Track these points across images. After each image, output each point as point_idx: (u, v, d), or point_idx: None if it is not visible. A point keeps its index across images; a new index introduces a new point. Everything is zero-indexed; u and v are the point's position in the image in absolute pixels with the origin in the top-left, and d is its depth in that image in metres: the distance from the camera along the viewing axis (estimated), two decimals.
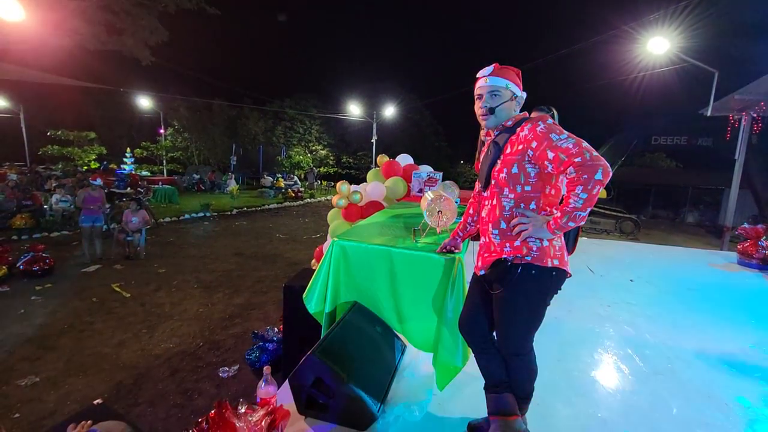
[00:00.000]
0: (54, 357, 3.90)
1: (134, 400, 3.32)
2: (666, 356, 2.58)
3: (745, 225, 5.17)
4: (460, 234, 1.96)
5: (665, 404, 2.05)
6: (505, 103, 1.55)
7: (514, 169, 1.48)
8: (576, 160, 1.31)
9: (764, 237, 4.92)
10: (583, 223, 1.42)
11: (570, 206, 1.34)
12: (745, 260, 4.89)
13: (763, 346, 2.77)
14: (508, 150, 1.51)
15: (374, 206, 4.04)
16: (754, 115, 7.80)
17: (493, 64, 1.60)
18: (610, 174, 1.31)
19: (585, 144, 1.33)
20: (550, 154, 1.37)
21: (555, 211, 1.41)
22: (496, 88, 1.55)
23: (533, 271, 1.46)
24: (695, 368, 2.44)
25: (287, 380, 1.89)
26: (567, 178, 1.35)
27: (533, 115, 1.64)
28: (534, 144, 1.41)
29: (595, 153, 1.31)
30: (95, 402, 2.17)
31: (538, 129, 1.42)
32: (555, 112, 1.64)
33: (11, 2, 7.02)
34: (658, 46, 8.38)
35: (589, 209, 1.34)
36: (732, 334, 2.97)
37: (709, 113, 8.36)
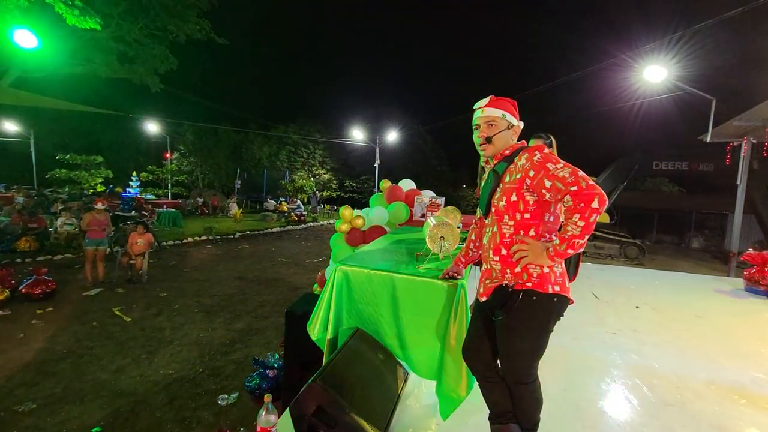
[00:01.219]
0: (52, 383, 3.85)
1: (131, 428, 3.25)
2: (675, 386, 2.51)
3: (750, 251, 5.13)
4: (463, 260, 1.97)
5: None
6: (501, 132, 1.61)
7: (513, 198, 1.52)
8: (572, 188, 1.34)
9: None
10: (582, 250, 1.44)
11: (568, 234, 1.36)
12: (752, 287, 4.82)
13: None
14: (507, 179, 1.55)
15: (377, 231, 4.05)
16: (754, 141, 7.88)
17: (490, 96, 1.66)
18: (606, 202, 1.35)
19: (581, 173, 1.37)
20: (548, 183, 1.41)
21: (554, 239, 1.44)
22: (492, 118, 1.61)
23: (534, 297, 1.47)
24: (706, 399, 2.38)
25: (288, 409, 1.85)
26: (565, 207, 1.39)
27: (532, 142, 1.68)
28: (531, 173, 1.45)
29: (591, 182, 1.35)
30: (92, 431, 2.14)
31: (535, 158, 1.46)
32: (553, 140, 1.68)
33: (26, 32, 7.35)
34: (655, 74, 8.58)
35: (587, 236, 1.37)
36: (742, 363, 2.90)
37: (708, 139, 8.46)
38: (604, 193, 1.34)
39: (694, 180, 19.43)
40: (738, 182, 8.36)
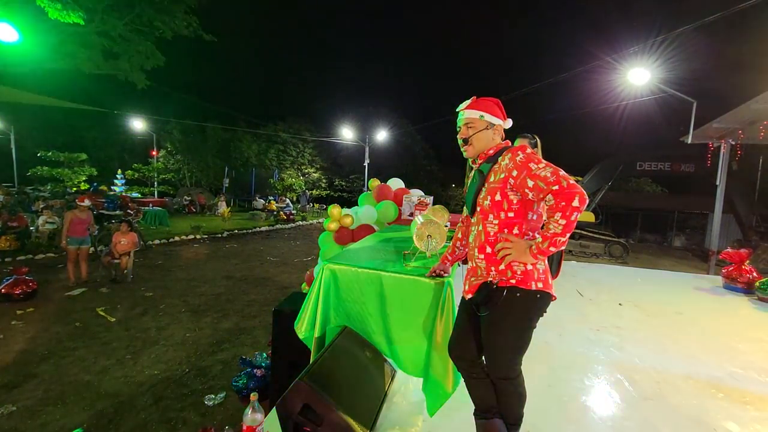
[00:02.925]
0: (33, 385, 3.77)
1: (114, 430, 3.20)
2: (655, 381, 2.58)
3: (729, 249, 5.28)
4: (449, 258, 2.00)
5: (655, 430, 2.05)
6: (479, 132, 1.64)
7: (498, 197, 1.55)
8: (554, 188, 1.38)
9: (748, 261, 5.02)
10: (563, 247, 1.48)
11: (550, 232, 1.40)
12: (730, 284, 4.96)
13: (750, 370, 2.80)
14: (492, 178, 1.59)
15: (366, 230, 4.06)
16: (733, 143, 8.10)
17: (472, 98, 1.69)
18: (587, 201, 1.39)
19: (562, 173, 1.41)
20: (530, 183, 1.45)
21: (537, 236, 1.47)
22: (469, 119, 1.65)
23: (518, 294, 1.51)
24: (684, 393, 2.45)
25: (274, 407, 1.85)
26: (547, 206, 1.43)
27: (517, 142, 1.71)
28: (515, 173, 1.49)
29: (571, 181, 1.39)
30: None
31: (518, 158, 1.50)
32: (538, 140, 1.72)
33: (6, 25, 7.15)
34: (638, 76, 8.76)
35: (568, 234, 1.41)
36: (720, 358, 2.99)
37: (689, 141, 8.67)
38: (584, 192, 1.38)
39: (677, 180, 19.93)
40: (717, 182, 8.59)
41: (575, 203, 1.36)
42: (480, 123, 1.64)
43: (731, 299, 4.68)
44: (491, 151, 1.65)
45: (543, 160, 1.49)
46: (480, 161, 1.68)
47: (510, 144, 1.67)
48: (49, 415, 3.33)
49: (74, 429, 3.12)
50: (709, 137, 8.55)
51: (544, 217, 1.61)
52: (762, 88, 5.63)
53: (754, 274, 4.83)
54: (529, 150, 1.54)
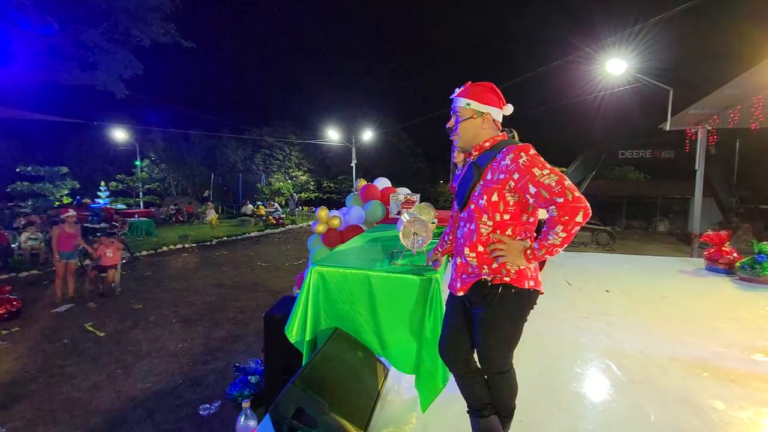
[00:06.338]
0: (22, 406, 3.69)
1: None
2: (642, 364, 2.64)
3: (710, 232, 5.42)
4: (440, 249, 1.99)
5: (643, 412, 2.10)
6: (465, 121, 1.57)
7: (495, 197, 1.48)
8: (558, 200, 1.32)
9: (728, 243, 5.16)
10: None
11: (548, 241, 1.36)
12: (712, 266, 5.09)
13: (733, 348, 2.88)
14: (489, 176, 1.50)
15: (354, 230, 4.07)
16: (709, 128, 8.31)
17: (466, 83, 1.62)
18: (590, 215, 1.34)
19: (567, 182, 1.34)
20: (532, 189, 1.38)
21: (534, 244, 1.43)
22: (456, 107, 1.60)
23: (513, 290, 1.49)
24: (670, 374, 2.51)
25: (268, 412, 1.85)
26: (549, 215, 1.37)
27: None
28: (516, 176, 1.41)
29: (577, 193, 1.33)
30: None
31: (521, 161, 1.41)
32: (515, 134, 1.72)
33: None
34: (616, 67, 8.92)
35: (566, 245, 1.37)
36: (703, 338, 3.07)
37: (668, 128, 8.87)
38: (589, 206, 1.33)
39: (658, 167, 20.34)
40: (696, 167, 8.80)
41: (579, 218, 1.31)
42: (466, 111, 1.56)
43: (713, 280, 4.81)
44: (487, 144, 1.57)
45: (547, 165, 1.40)
46: (476, 153, 1.60)
47: (506, 138, 1.58)
48: None
49: None
50: (686, 123, 8.75)
51: (540, 217, 1.56)
52: (733, 74, 5.79)
53: (735, 254, 4.97)
54: (532, 151, 1.44)
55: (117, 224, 12.83)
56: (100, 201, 17.73)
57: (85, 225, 11.72)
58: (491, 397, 1.65)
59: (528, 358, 2.52)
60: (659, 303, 3.97)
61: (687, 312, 3.70)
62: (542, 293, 1.59)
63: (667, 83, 8.88)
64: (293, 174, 28.81)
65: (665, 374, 2.51)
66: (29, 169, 16.66)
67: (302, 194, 28.73)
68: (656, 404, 2.17)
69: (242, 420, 1.59)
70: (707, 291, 4.41)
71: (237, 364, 4.00)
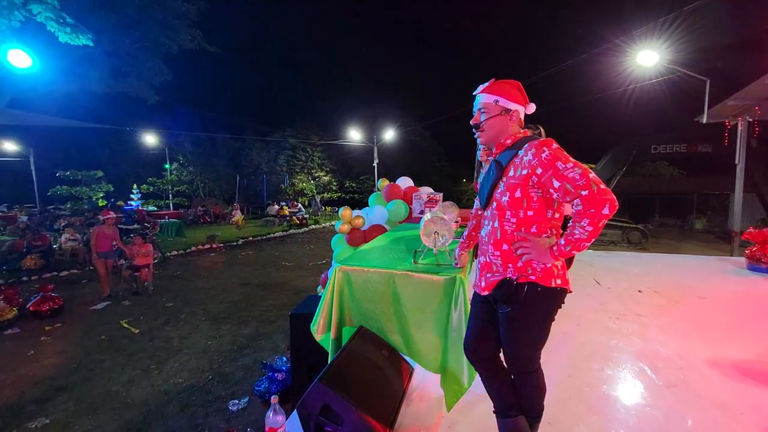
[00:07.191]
0: (64, 398, 3.90)
1: None
2: (679, 367, 2.53)
3: (751, 229, 5.13)
4: (463, 247, 1.98)
5: (680, 417, 2.01)
6: (492, 118, 1.55)
7: (518, 194, 1.46)
8: (583, 193, 1.30)
9: None
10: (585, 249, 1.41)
11: (575, 237, 1.33)
12: (754, 265, 4.83)
13: None
14: (511, 173, 1.49)
15: (377, 230, 4.08)
16: (750, 120, 7.86)
17: (490, 80, 1.60)
18: (617, 208, 1.30)
19: (592, 175, 1.31)
20: (556, 183, 1.36)
21: (560, 240, 1.40)
22: (482, 104, 1.58)
23: (539, 289, 1.46)
24: (709, 379, 2.40)
25: (295, 409, 1.89)
26: (574, 209, 1.34)
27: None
28: (539, 170, 1.39)
29: (602, 186, 1.30)
30: None
31: (543, 156, 1.39)
32: (542, 130, 1.67)
33: (19, 52, 7.39)
34: (647, 58, 8.57)
35: (593, 240, 1.34)
36: (744, 342, 2.91)
37: (704, 120, 8.45)
38: (615, 199, 1.30)
39: (694, 162, 19.38)
40: (737, 161, 8.35)
41: (605, 211, 1.28)
42: (494, 108, 1.54)
43: (756, 280, 4.55)
44: (508, 141, 1.55)
45: (571, 158, 1.37)
46: (497, 151, 1.58)
47: (528, 135, 1.56)
48: (81, 427, 3.44)
49: None
50: (725, 115, 8.31)
51: (566, 213, 1.53)
52: None
53: None
54: (555, 145, 1.42)
55: (149, 225, 13.34)
56: (133, 203, 18.49)
57: (119, 226, 12.26)
58: (518, 398, 1.62)
59: (556, 359, 2.47)
60: (696, 304, 3.79)
61: (727, 314, 3.52)
62: (570, 291, 1.55)
63: (703, 74, 8.45)
64: (316, 174, 29.15)
65: (704, 378, 2.40)
66: (68, 173, 17.59)
67: (325, 194, 29.04)
68: (694, 409, 2.08)
69: (271, 415, 1.62)
70: (748, 291, 4.18)
71: (264, 361, 4.08)
